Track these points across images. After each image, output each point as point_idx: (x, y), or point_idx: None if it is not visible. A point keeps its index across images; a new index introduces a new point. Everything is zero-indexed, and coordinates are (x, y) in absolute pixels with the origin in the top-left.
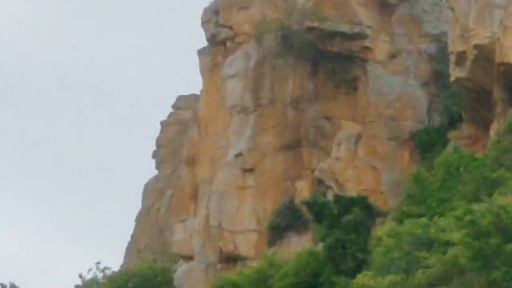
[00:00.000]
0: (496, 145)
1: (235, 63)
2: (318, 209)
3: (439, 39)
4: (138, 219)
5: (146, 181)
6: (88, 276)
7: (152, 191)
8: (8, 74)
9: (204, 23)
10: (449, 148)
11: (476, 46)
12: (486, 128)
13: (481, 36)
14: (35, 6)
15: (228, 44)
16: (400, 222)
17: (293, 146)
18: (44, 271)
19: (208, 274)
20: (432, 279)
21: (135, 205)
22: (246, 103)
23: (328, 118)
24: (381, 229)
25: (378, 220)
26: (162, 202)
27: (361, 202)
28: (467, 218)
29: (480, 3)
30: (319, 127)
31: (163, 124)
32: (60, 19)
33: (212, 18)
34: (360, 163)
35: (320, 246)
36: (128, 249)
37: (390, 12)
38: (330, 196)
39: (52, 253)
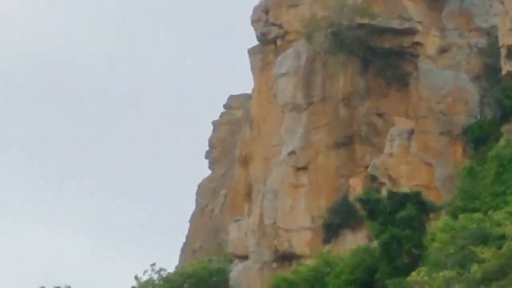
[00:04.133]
0: None
1: (286, 62)
2: (372, 205)
3: (490, 33)
4: (193, 220)
5: (199, 181)
6: (144, 278)
7: (205, 191)
8: (60, 77)
9: (254, 22)
10: (502, 142)
11: None
12: None
13: None
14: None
15: (279, 42)
16: (455, 217)
17: (345, 143)
18: (99, 274)
19: (263, 273)
20: (488, 274)
21: (189, 206)
22: (298, 101)
23: (380, 115)
24: (436, 225)
25: (432, 215)
26: (216, 202)
27: (415, 198)
28: None
29: None
30: (371, 124)
31: (215, 124)
32: (116, 18)
33: (262, 17)
34: (413, 158)
35: (375, 243)
36: (183, 250)
37: (440, 7)
38: (384, 193)
39: (107, 255)
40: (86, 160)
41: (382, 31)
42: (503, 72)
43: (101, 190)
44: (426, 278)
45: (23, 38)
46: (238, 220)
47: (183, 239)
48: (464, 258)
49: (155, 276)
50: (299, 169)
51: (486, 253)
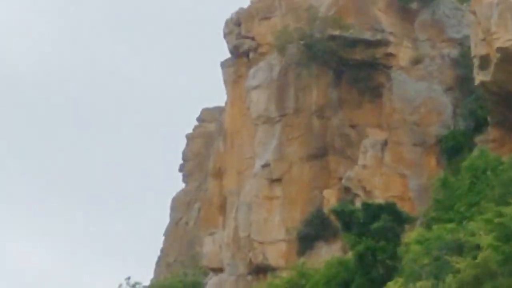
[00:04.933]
0: None
1: (259, 74)
2: (346, 217)
3: (462, 43)
4: (167, 233)
5: (173, 194)
6: None
7: (180, 205)
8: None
9: (226, 35)
10: (476, 152)
11: (499, 49)
12: None
13: (504, 39)
14: (55, 16)
15: (251, 55)
16: (429, 227)
17: (319, 155)
18: (74, 287)
19: (238, 286)
20: (463, 284)
21: (164, 219)
22: (271, 113)
23: (353, 126)
24: (410, 236)
25: (407, 226)
26: (190, 215)
27: (389, 209)
28: (497, 220)
29: (501, 6)
30: (345, 135)
31: (189, 137)
32: (83, 32)
33: (234, 30)
34: (387, 170)
35: (349, 255)
36: (158, 263)
37: (411, 18)
38: (358, 204)
39: (81, 268)
40: (59, 173)
41: (355, 43)
42: (476, 82)
43: (75, 203)
44: None
45: None
46: (212, 233)
47: (158, 253)
48: (439, 269)
49: None
50: (273, 181)
51: (461, 263)
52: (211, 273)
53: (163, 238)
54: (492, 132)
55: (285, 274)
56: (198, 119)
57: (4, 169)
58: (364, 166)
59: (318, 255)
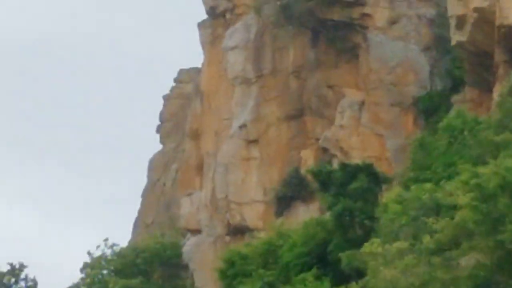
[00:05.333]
0: (500, 107)
1: (236, 35)
2: (324, 178)
3: (439, 4)
4: (144, 194)
5: (151, 156)
6: (97, 253)
7: (157, 166)
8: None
9: None
10: (453, 112)
11: (475, 9)
12: (489, 90)
13: None
14: None
15: (228, 16)
16: (407, 188)
17: (296, 115)
18: (52, 249)
19: (216, 246)
20: (441, 244)
21: (141, 181)
22: (248, 74)
23: (330, 86)
24: (388, 196)
25: (385, 186)
26: (168, 177)
27: (367, 169)
28: (473, 181)
29: None
30: (322, 96)
31: (166, 98)
32: None
33: None
34: (364, 130)
35: (327, 215)
36: (135, 225)
37: None
38: (335, 164)
39: (59, 230)
40: (38, 134)
41: (331, 3)
42: (453, 42)
43: (52, 164)
44: (379, 249)
45: None
46: (190, 194)
47: (136, 214)
48: (417, 229)
49: (108, 251)
50: (250, 142)
51: (438, 223)
52: (189, 234)
53: (140, 199)
54: (469, 92)
55: (263, 235)
56: (175, 80)
57: None
58: (341, 127)
59: (296, 216)
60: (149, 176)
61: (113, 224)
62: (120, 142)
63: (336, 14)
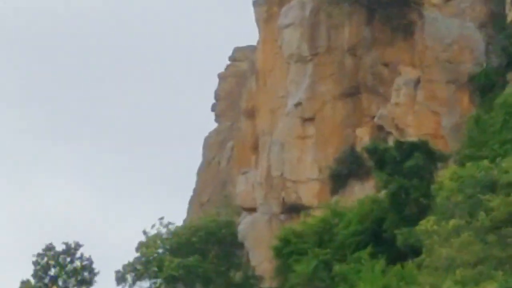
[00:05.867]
0: None
1: (291, 13)
2: (379, 155)
3: None
4: (200, 173)
5: (206, 134)
6: (152, 232)
7: (212, 144)
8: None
9: None
10: (509, 89)
11: None
12: None
13: None
14: None
15: None
16: (462, 165)
17: (352, 93)
18: (107, 228)
19: (272, 225)
20: (497, 222)
21: (196, 159)
22: (303, 52)
23: (386, 64)
24: (443, 174)
25: (440, 164)
26: (223, 155)
27: (422, 147)
28: None
29: None
30: (377, 73)
31: (221, 76)
32: None
33: None
34: (420, 107)
35: (383, 193)
36: (191, 203)
37: None
38: (391, 142)
39: (115, 209)
40: (95, 114)
41: None
42: (508, 19)
43: (109, 144)
44: (435, 227)
45: None
46: (245, 172)
47: (191, 193)
48: (472, 207)
49: (163, 230)
50: (305, 120)
51: (494, 201)
52: (244, 213)
53: (196, 177)
54: None
55: (318, 213)
56: (230, 58)
57: (27, 104)
58: (397, 104)
59: (351, 194)
60: (204, 155)
61: (168, 202)
62: (175, 121)
63: None
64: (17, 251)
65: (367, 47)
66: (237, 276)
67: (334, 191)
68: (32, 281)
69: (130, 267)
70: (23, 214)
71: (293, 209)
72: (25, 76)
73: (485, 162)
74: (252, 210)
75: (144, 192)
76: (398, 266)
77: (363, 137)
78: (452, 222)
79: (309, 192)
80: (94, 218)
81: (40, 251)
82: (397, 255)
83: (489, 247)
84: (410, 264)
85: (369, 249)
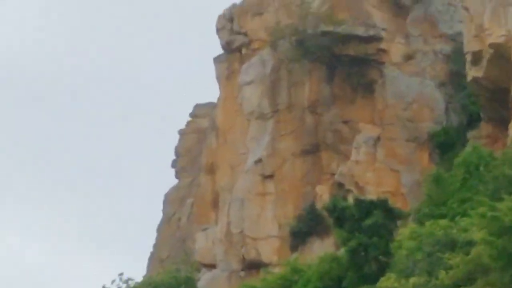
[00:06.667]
0: None
1: (251, 70)
2: (339, 213)
3: (455, 39)
4: (160, 229)
5: (166, 190)
6: None
7: (172, 201)
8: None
9: (219, 31)
10: (468, 148)
11: (491, 45)
12: (505, 126)
13: (496, 35)
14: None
15: (244, 50)
16: (421, 223)
17: (312, 150)
18: (67, 284)
19: (231, 281)
20: (456, 280)
21: (156, 215)
22: (263, 109)
23: (346, 122)
24: (403, 232)
25: (400, 222)
26: (183, 211)
27: (382, 205)
28: (490, 214)
29: (494, 2)
30: (337, 131)
31: (182, 133)
32: (76, 28)
33: (226, 25)
34: (380, 165)
35: (342, 251)
36: (150, 259)
37: (404, 14)
38: (350, 200)
39: (74, 264)
40: (51, 168)
41: (347, 39)
42: (468, 78)
43: (66, 197)
44: (395, 284)
45: None
46: (205, 228)
47: (151, 249)
48: (432, 265)
49: (123, 286)
50: (265, 177)
51: (454, 259)
52: (204, 269)
53: (156, 233)
54: (484, 128)
55: (278, 270)
56: (191, 115)
57: None
58: (357, 162)
59: (311, 251)
60: (164, 211)
61: (128, 258)
62: (135, 177)
63: (352, 50)
64: None
65: (327, 105)
66: None
67: (294, 248)
68: None
69: None
70: None
71: (253, 266)
72: None
73: (444, 221)
74: (211, 266)
75: (104, 248)
76: None
77: (323, 194)
78: (412, 280)
79: (268, 248)
80: (53, 273)
81: None
82: None
83: None
84: None
85: None
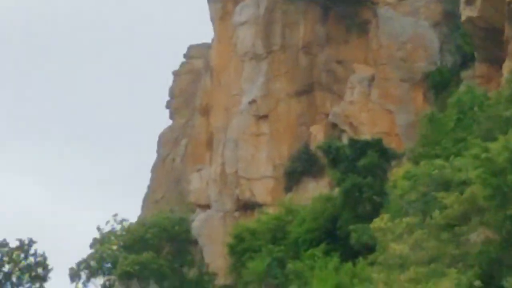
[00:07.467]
0: (509, 83)
1: (246, 10)
2: (333, 153)
3: None
4: (154, 170)
5: (160, 131)
6: (106, 229)
7: (167, 141)
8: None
9: None
10: (462, 88)
11: None
12: (499, 66)
13: None
14: None
15: None
16: (416, 163)
17: (306, 91)
18: (62, 225)
19: (225, 222)
20: (450, 219)
21: (151, 156)
22: (257, 50)
23: (340, 62)
24: (397, 172)
25: (394, 162)
26: (177, 152)
27: (376, 145)
28: (484, 155)
29: None
30: (331, 71)
31: (176, 74)
32: None
33: None
34: (374, 105)
35: (336, 191)
36: (145, 200)
37: None
38: (345, 140)
39: (69, 206)
40: (48, 110)
41: None
42: (463, 18)
43: (61, 140)
44: (389, 224)
45: None
46: (199, 169)
47: (145, 190)
48: (426, 205)
49: (117, 227)
50: (260, 118)
51: (448, 199)
52: (198, 210)
53: (150, 174)
54: (478, 68)
55: (272, 211)
56: (185, 56)
57: None
58: (351, 102)
59: (305, 191)
60: (158, 152)
61: (122, 199)
62: (129, 118)
63: None
64: None
65: (321, 45)
66: (192, 272)
67: (288, 188)
68: None
69: (84, 264)
70: None
71: (247, 206)
72: None
73: (439, 161)
74: (206, 207)
75: (98, 189)
76: (351, 264)
77: (317, 134)
78: (406, 220)
79: (263, 189)
80: (48, 215)
81: None
82: (351, 252)
83: (443, 245)
84: (363, 261)
85: (322, 246)
